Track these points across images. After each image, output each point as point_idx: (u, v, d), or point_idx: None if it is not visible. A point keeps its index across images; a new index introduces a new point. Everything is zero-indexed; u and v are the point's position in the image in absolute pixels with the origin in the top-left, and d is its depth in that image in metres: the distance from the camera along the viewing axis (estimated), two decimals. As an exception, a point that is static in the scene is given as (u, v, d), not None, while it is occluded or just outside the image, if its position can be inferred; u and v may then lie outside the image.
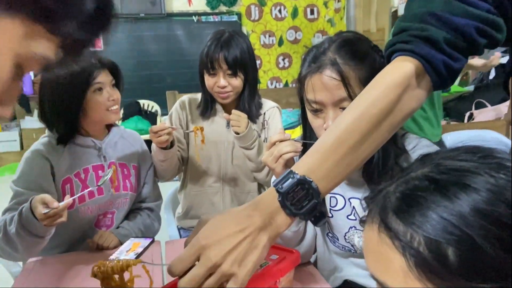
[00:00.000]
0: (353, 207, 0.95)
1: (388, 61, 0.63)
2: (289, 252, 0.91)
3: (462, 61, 0.60)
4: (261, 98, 1.53)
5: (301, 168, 0.58)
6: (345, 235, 0.99)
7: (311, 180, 0.56)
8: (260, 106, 1.50)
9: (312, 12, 5.45)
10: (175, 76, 5.04)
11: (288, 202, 0.56)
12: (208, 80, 1.41)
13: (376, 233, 0.41)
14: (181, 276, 0.54)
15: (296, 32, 5.44)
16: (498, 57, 2.02)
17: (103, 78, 1.20)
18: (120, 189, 1.28)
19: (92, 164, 1.24)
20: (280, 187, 0.56)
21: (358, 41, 0.88)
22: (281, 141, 0.89)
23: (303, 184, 0.56)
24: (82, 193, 1.15)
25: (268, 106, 1.53)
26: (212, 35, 1.41)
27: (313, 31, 5.48)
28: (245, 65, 1.39)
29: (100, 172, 1.24)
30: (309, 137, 0.95)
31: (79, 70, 1.16)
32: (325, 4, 5.45)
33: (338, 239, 1.01)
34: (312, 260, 1.10)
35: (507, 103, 2.32)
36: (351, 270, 1.04)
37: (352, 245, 1.00)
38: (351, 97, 0.83)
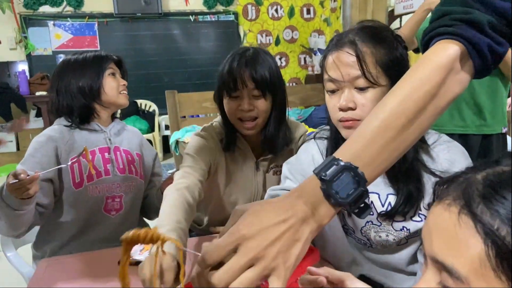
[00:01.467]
0: (371, 202, 0.95)
1: (426, 47, 0.61)
2: (309, 250, 0.90)
3: (506, 45, 0.58)
4: (290, 124, 1.29)
5: (344, 154, 0.54)
6: (361, 229, 0.99)
7: (356, 166, 0.52)
8: (286, 140, 1.25)
9: (308, 12, 5.47)
10: (172, 75, 5.02)
11: (332, 190, 0.51)
12: (229, 104, 1.17)
13: (455, 215, 0.40)
14: (212, 268, 0.49)
15: (292, 32, 5.45)
16: None
17: (113, 66, 1.34)
18: (126, 172, 1.34)
19: (99, 146, 1.32)
20: (323, 174, 0.52)
21: (380, 27, 0.90)
22: None
23: (349, 170, 0.52)
24: (54, 168, 1.17)
25: (302, 131, 1.29)
26: (233, 51, 1.20)
27: (310, 30, 5.50)
28: (274, 85, 1.16)
29: (106, 154, 1.32)
30: (334, 127, 0.96)
31: (96, 56, 1.30)
32: (321, 3, 5.46)
33: (354, 232, 1.02)
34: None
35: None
36: (366, 265, 1.04)
37: (368, 239, 1.00)
38: (365, 75, 0.84)
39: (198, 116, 4.26)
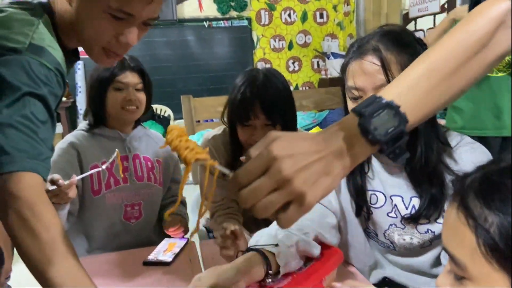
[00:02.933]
0: (395, 205, 0.95)
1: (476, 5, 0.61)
2: (333, 251, 0.91)
3: None
4: None
5: (387, 93, 0.52)
6: (385, 233, 0.99)
7: (399, 105, 0.50)
8: None
9: (321, 16, 5.47)
10: (187, 80, 5.07)
11: (371, 126, 0.49)
12: (242, 131, 1.22)
13: (455, 210, 0.45)
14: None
15: (305, 36, 5.45)
16: None
17: (127, 79, 1.30)
18: (144, 180, 1.36)
19: None
20: (363, 110, 0.50)
21: (402, 32, 0.90)
22: None
23: (390, 108, 0.50)
24: (90, 172, 1.21)
25: None
26: (243, 76, 1.21)
27: (323, 34, 5.50)
28: (285, 114, 1.20)
29: (125, 162, 1.34)
30: None
31: (105, 69, 1.29)
32: (334, 7, 5.46)
33: (377, 235, 1.02)
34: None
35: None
36: (388, 268, 1.04)
37: (391, 242, 1.00)
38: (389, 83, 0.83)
39: (212, 120, 4.29)
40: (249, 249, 0.85)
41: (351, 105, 0.92)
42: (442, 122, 2.06)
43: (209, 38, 5.13)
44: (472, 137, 1.80)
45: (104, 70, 1.28)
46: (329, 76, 5.24)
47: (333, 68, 5.19)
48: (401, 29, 0.91)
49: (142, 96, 1.33)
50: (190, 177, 3.98)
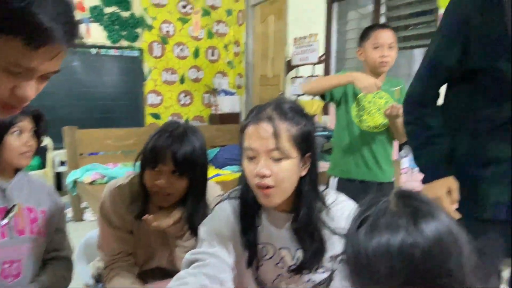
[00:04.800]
0: (282, 257, 1.07)
1: None
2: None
3: None
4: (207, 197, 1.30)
5: None
6: (273, 282, 1.10)
7: None
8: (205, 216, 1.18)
9: (213, 54, 5.69)
10: (70, 108, 4.73)
11: None
12: (148, 176, 1.22)
13: None
14: None
15: (198, 71, 5.60)
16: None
17: (24, 124, 1.23)
18: (26, 233, 1.24)
19: None
20: None
21: (294, 106, 1.04)
22: None
23: None
24: None
25: (215, 192, 1.33)
26: (163, 125, 1.25)
27: (214, 71, 5.71)
28: (194, 166, 1.21)
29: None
30: (244, 187, 1.06)
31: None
32: (226, 47, 5.75)
33: (266, 285, 1.12)
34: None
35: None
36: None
37: (278, 290, 1.11)
38: (279, 149, 0.97)
39: (97, 153, 4.06)
40: None
41: (246, 163, 1.02)
42: (325, 165, 2.34)
43: (97, 66, 4.91)
44: (355, 180, 2.12)
45: None
46: (219, 112, 5.43)
47: (223, 104, 5.40)
48: (293, 103, 1.06)
49: (36, 141, 1.27)
50: (69, 214, 3.68)
